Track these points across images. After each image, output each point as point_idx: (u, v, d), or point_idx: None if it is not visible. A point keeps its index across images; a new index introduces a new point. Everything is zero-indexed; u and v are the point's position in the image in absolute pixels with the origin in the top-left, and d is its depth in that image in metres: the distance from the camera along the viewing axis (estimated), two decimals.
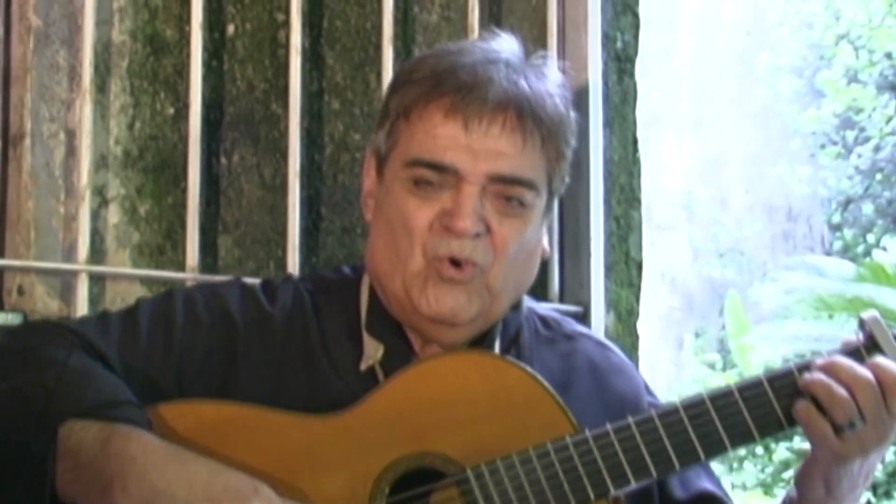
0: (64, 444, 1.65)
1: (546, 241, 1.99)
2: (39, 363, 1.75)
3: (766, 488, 9.90)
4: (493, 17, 3.00)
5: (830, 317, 9.03)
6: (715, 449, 1.83)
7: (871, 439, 1.81)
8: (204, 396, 1.82)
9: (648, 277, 3.45)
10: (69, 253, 2.55)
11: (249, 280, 2.02)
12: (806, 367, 1.85)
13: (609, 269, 3.04)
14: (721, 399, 1.83)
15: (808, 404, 1.81)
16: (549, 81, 1.95)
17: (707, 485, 2.03)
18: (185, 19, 2.68)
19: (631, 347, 3.01)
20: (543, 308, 2.12)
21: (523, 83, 1.90)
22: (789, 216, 12.81)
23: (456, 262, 1.85)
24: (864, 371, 1.81)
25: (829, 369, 1.82)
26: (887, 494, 8.36)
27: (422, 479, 1.76)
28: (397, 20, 2.85)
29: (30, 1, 2.58)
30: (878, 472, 8.23)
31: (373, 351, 1.91)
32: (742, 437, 1.84)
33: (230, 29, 2.74)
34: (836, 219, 12.60)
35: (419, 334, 1.92)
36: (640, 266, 3.15)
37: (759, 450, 9.95)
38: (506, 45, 1.96)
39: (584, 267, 2.99)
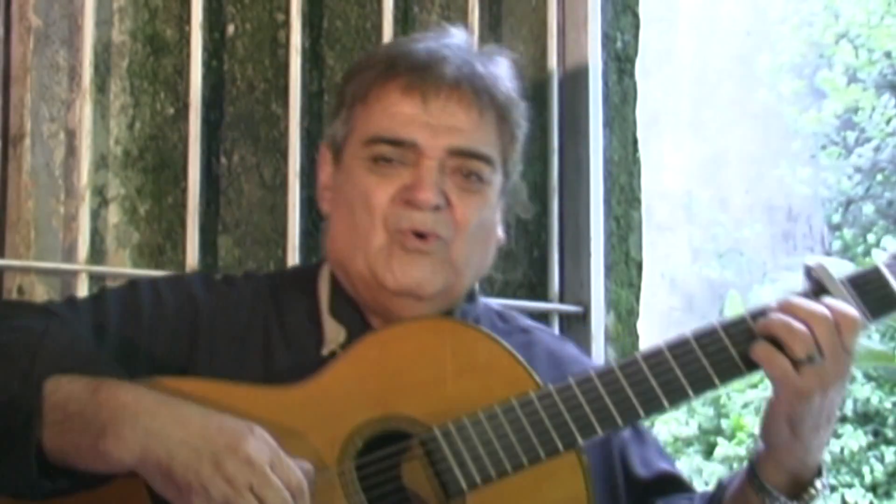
0: (50, 399, 1.64)
1: (500, 229, 2.02)
2: (19, 330, 1.75)
3: None
4: (493, 17, 3.01)
5: None
6: (677, 396, 1.85)
7: (831, 374, 1.83)
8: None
9: (648, 277, 3.46)
10: (69, 253, 2.55)
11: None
12: (760, 313, 1.88)
13: (609, 269, 3.04)
14: (679, 348, 1.86)
15: (766, 343, 1.84)
16: (500, 66, 1.99)
17: (667, 466, 2.07)
18: (185, 19, 2.68)
19: (631, 347, 3.01)
20: (496, 303, 2.16)
21: (476, 63, 1.95)
22: (789, 216, 12.81)
23: (419, 235, 1.88)
24: (819, 307, 1.84)
25: (786, 308, 1.86)
26: (887, 494, 8.36)
27: (389, 441, 1.77)
28: (397, 20, 2.85)
29: (30, 1, 2.58)
30: (878, 472, 8.22)
31: (334, 335, 1.93)
32: (702, 382, 1.86)
33: (230, 29, 2.75)
34: (836, 219, 12.59)
35: (382, 316, 1.94)
36: (640, 266, 3.15)
37: None
38: (457, 34, 2.00)
39: (584, 267, 2.99)
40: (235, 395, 1.76)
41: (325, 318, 1.95)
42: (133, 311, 1.89)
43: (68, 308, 1.89)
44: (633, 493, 2.00)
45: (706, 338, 1.86)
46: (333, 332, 1.93)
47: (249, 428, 1.64)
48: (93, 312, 1.88)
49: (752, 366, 1.86)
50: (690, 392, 1.85)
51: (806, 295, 1.88)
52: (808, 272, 1.92)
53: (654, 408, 1.83)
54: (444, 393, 1.80)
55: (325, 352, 1.91)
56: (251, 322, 1.93)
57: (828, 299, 1.86)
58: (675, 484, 2.05)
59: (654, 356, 1.85)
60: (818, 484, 1.90)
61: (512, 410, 1.80)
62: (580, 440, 1.79)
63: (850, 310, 1.85)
